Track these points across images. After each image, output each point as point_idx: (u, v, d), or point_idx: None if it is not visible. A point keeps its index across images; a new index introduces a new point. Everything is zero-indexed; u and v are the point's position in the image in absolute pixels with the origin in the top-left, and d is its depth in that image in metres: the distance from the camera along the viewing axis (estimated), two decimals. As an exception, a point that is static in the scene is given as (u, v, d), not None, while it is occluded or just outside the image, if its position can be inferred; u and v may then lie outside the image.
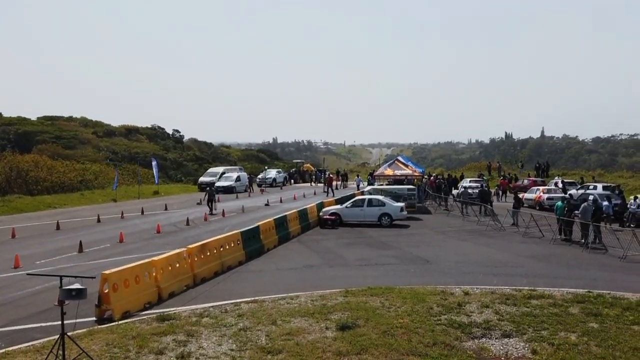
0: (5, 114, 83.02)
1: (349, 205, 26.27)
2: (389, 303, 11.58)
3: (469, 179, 43.31)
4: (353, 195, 31.67)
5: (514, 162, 75.78)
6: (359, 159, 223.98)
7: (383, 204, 25.85)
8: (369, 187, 34.36)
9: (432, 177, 44.65)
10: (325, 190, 42.58)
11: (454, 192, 38.50)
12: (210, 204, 30.20)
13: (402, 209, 25.89)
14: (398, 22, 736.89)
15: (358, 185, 45.61)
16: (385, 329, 9.82)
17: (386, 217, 25.46)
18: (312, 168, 67.65)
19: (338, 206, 26.93)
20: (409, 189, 31.00)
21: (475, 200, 30.37)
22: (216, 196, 30.96)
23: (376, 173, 41.47)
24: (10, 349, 9.14)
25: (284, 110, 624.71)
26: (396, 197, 28.84)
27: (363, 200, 26.57)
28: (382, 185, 35.32)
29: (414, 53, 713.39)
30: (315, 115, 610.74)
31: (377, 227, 25.03)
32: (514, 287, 13.03)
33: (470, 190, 33.38)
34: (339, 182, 52.97)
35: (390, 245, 20.23)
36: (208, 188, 31.23)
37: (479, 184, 37.32)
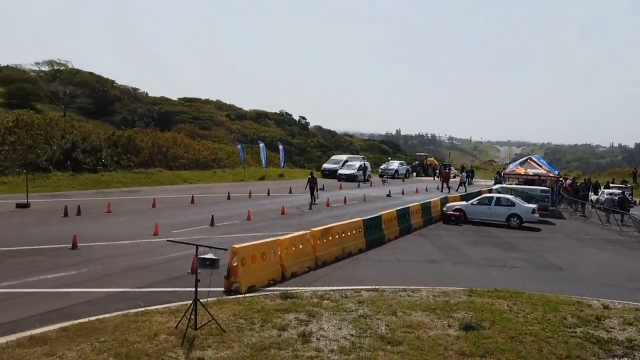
0: (151, 94, 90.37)
1: (475, 203, 25.23)
2: (518, 308, 10.89)
3: (610, 186, 39.70)
4: (480, 192, 30.46)
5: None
6: (485, 157, 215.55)
7: (513, 204, 24.49)
8: (497, 186, 32.75)
9: (567, 181, 41.59)
10: (447, 185, 40.90)
11: (593, 197, 35.54)
12: (312, 193, 28.29)
13: (533, 211, 24.33)
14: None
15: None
16: (513, 334, 9.24)
17: (515, 218, 24.10)
18: (436, 162, 66.05)
19: (463, 202, 25.97)
20: (542, 191, 29.05)
21: (617, 208, 27.80)
22: (318, 185, 28.96)
23: (506, 171, 39.46)
24: (149, 308, 9.84)
25: (408, 102, 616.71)
26: (527, 197, 27.16)
27: (491, 198, 25.37)
28: (511, 184, 33.53)
29: (552, 51, 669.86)
30: (440, 109, 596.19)
31: (504, 228, 23.79)
32: (663, 307, 11.69)
33: (615, 197, 30.48)
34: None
35: (519, 248, 19.12)
36: (310, 176, 29.37)
37: (621, 192, 34.06)
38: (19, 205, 21.30)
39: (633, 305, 11.72)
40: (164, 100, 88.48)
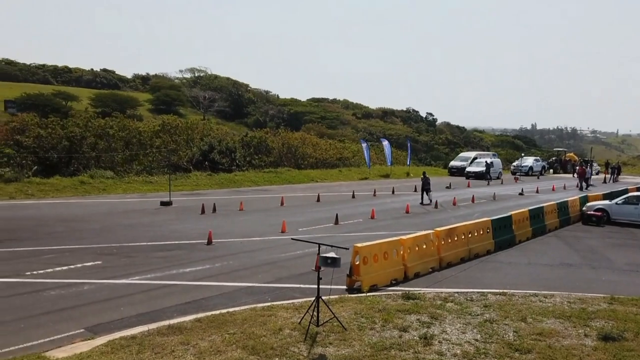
0: (282, 96, 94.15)
1: (620, 202, 23.03)
2: (668, 319, 9.79)
3: None
4: (626, 190, 27.84)
5: None
6: (635, 151, 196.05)
7: (666, 204, 22.00)
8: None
9: None
10: (586, 183, 37.79)
11: None
12: (423, 193, 27.00)
13: (691, 212, 21.68)
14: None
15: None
16: (661, 348, 8.32)
17: (669, 220, 21.65)
18: (576, 158, 61.38)
19: (606, 202, 23.84)
20: (702, 189, 25.83)
21: None
22: (431, 186, 27.27)
23: (657, 167, 35.71)
24: (275, 303, 10.25)
25: (545, 94, 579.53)
26: (684, 197, 24.23)
27: (639, 197, 23.02)
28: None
29: None
30: (582, 100, 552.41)
31: (654, 230, 21.50)
32: None
33: None
34: (608, 176, 47.16)
35: (673, 253, 17.16)
36: (422, 176, 27.62)
37: None
38: (162, 203, 23.30)
39: None
40: (293, 102, 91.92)
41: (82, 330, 8.78)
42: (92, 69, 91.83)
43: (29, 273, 12.04)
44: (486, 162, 45.00)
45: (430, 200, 26.53)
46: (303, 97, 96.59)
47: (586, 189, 36.13)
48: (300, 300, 10.44)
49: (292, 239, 10.20)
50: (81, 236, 16.40)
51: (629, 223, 22.36)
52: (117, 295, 10.65)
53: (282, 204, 24.92)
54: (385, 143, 47.22)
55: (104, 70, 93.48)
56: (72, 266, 12.75)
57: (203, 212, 21.60)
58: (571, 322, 9.52)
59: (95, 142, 32.27)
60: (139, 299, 10.47)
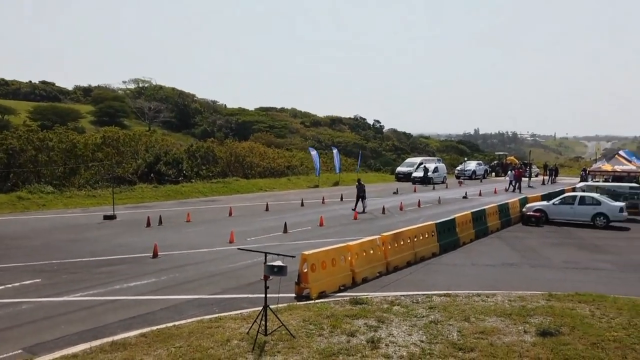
0: (229, 106, 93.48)
1: (557, 202, 24.08)
2: (601, 312, 10.30)
3: None
4: (562, 191, 29.09)
5: None
6: (571, 153, 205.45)
7: (598, 203, 23.15)
8: (581, 184, 31.19)
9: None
10: (514, 185, 38.60)
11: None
12: (357, 201, 26.22)
13: (621, 210, 22.86)
14: None
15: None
16: (595, 340, 8.74)
17: (601, 218, 22.76)
18: (516, 161, 63.68)
19: (544, 202, 24.87)
20: (631, 187, 27.28)
21: None
22: (366, 193, 26.61)
23: (591, 168, 37.56)
24: (223, 314, 10.17)
25: (487, 100, 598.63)
26: (615, 195, 25.56)
27: (574, 197, 24.13)
28: (598, 182, 31.81)
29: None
30: (521, 105, 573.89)
31: (589, 228, 22.56)
32: None
33: None
34: (547, 177, 49.13)
35: (605, 249, 18.06)
36: (357, 184, 26.83)
37: None
38: (106, 217, 22.65)
39: None
40: (241, 111, 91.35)
41: (19, 351, 8.44)
42: (30, 82, 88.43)
43: (-38, 295, 11.48)
44: (425, 167, 46.13)
45: (364, 208, 26.30)
46: (251, 107, 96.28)
47: (518, 190, 37.27)
48: (248, 310, 10.38)
49: (239, 248, 10.17)
50: (20, 254, 15.76)
51: (565, 222, 23.40)
52: (57, 313, 10.29)
53: (230, 214, 24.71)
54: (335, 151, 47.60)
55: (43, 82, 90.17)
56: (9, 285, 12.24)
57: (149, 224, 21.15)
58: (512, 319, 9.86)
59: (35, 155, 31.05)
60: (80, 316, 10.15)
